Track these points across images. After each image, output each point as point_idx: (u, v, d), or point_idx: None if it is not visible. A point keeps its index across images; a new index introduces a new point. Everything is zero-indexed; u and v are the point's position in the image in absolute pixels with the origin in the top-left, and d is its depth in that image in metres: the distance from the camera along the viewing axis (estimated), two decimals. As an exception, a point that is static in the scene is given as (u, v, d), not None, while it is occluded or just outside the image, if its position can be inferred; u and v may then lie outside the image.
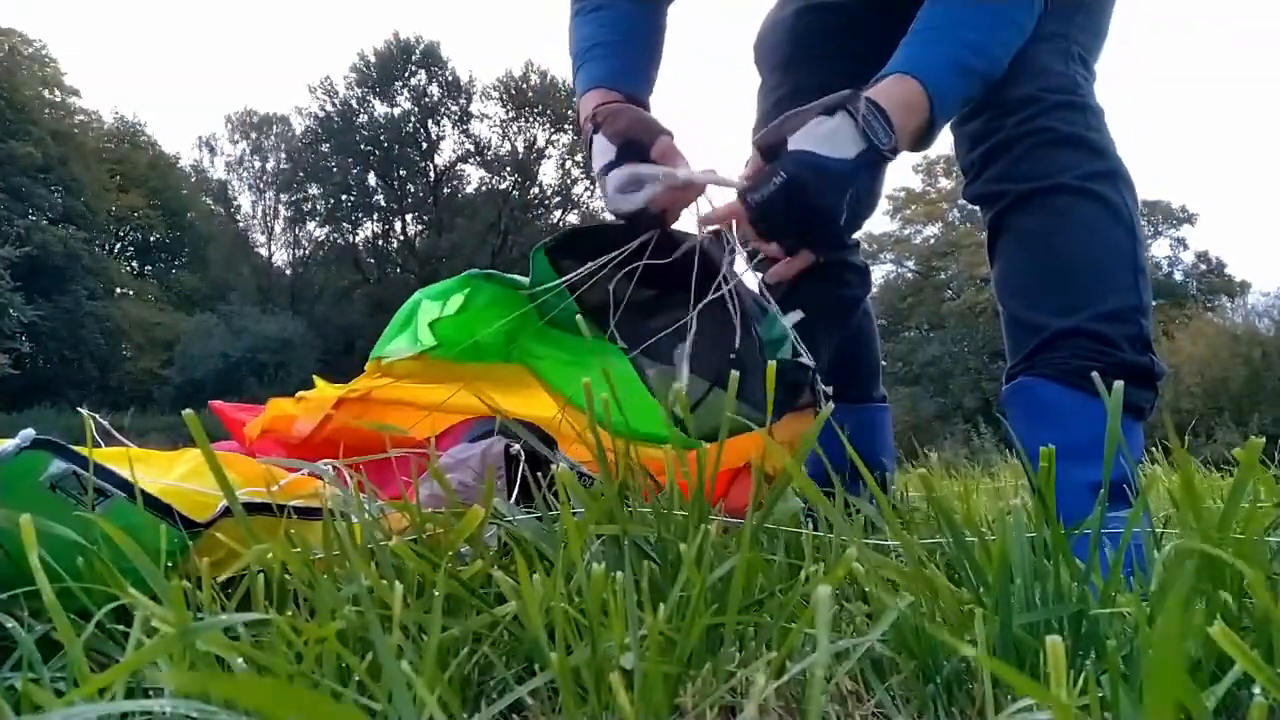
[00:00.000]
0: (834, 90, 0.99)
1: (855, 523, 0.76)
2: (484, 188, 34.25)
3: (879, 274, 29.05)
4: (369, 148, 32.94)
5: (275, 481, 0.72)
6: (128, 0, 52.42)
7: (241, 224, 34.65)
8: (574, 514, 0.58)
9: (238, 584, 0.56)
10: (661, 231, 1.08)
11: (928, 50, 1.02)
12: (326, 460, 0.75)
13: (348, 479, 0.71)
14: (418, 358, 1.04)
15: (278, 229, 34.23)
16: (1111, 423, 0.58)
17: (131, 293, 30.68)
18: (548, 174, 34.78)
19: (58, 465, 0.62)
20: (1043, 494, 0.57)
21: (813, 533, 0.71)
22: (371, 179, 33.67)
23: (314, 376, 1.16)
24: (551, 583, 0.51)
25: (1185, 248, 28.29)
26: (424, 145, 33.58)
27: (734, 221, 1.05)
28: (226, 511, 0.66)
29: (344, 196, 33.34)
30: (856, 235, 1.46)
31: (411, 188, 33.84)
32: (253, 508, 0.69)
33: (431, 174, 33.65)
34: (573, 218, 33.20)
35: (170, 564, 0.64)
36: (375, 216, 33.91)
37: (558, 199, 34.36)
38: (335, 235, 34.17)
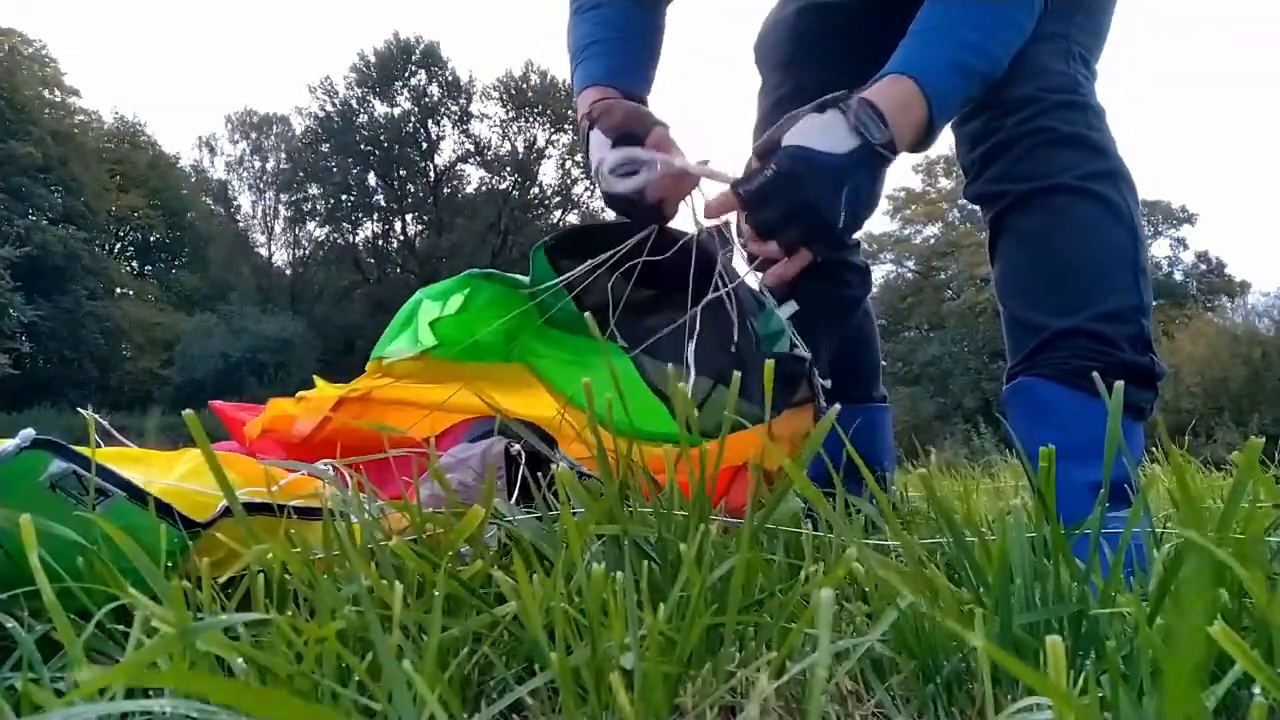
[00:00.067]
0: (835, 90, 0.99)
1: (855, 523, 0.76)
2: (484, 188, 34.27)
3: (879, 274, 29.06)
4: (369, 148, 32.94)
5: (275, 481, 0.72)
6: (128, 0, 52.46)
7: (241, 224, 34.69)
8: (574, 514, 0.58)
9: (238, 584, 0.56)
10: (659, 230, 1.08)
11: (925, 51, 1.02)
12: (326, 460, 0.75)
13: (347, 479, 0.71)
14: (418, 357, 1.04)
15: (278, 229, 34.27)
16: (1112, 423, 0.58)
17: (131, 293, 30.68)
18: (548, 174, 34.85)
19: (58, 465, 0.62)
20: (1043, 494, 0.57)
21: (813, 533, 0.71)
22: (371, 179, 33.69)
23: (314, 376, 1.16)
24: (551, 583, 0.51)
25: (1185, 248, 28.32)
26: (424, 145, 33.59)
27: (732, 218, 1.05)
28: (226, 511, 0.66)
29: (344, 196, 33.35)
30: (856, 235, 1.46)
31: (411, 188, 33.85)
32: (253, 508, 0.69)
33: (431, 174, 33.66)
34: (573, 218, 33.20)
35: (170, 564, 0.64)
36: (375, 216, 33.92)
37: (558, 199, 34.39)
38: (335, 235, 34.19)
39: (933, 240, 29.18)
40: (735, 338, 1.03)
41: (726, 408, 0.65)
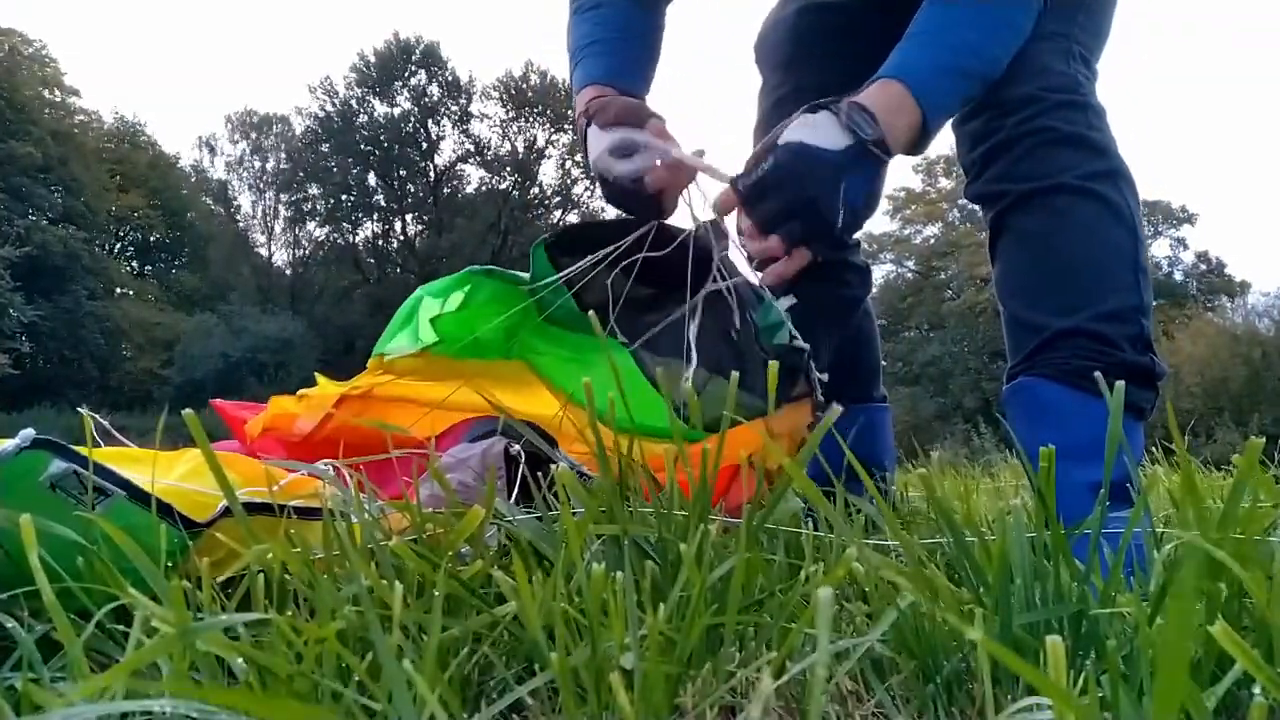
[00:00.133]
0: (834, 90, 0.99)
1: (855, 523, 0.76)
2: (484, 188, 34.27)
3: (879, 274, 29.06)
4: (369, 148, 32.94)
5: (275, 481, 0.72)
6: (128, 0, 52.46)
7: (241, 224, 34.69)
8: (574, 514, 0.58)
9: (238, 584, 0.56)
10: (658, 226, 1.08)
11: (917, 54, 1.02)
12: (326, 460, 0.75)
13: (347, 479, 0.71)
14: (419, 354, 1.04)
15: (278, 229, 34.28)
16: (1113, 424, 0.58)
17: (131, 293, 30.69)
18: (548, 174, 34.85)
19: (58, 465, 0.62)
20: (1043, 494, 0.57)
21: (813, 533, 0.71)
22: (371, 179, 33.69)
23: (316, 375, 1.16)
24: (551, 583, 0.51)
25: (1185, 248, 28.32)
26: (424, 145, 33.59)
27: (733, 217, 1.05)
28: (226, 511, 0.66)
29: (344, 196, 33.35)
30: (857, 235, 1.46)
31: (411, 188, 33.85)
32: (253, 508, 0.69)
33: (431, 174, 33.66)
34: (573, 217, 33.19)
35: (170, 564, 0.64)
36: (375, 216, 33.93)
37: (558, 199, 34.38)
38: (335, 235, 34.19)
39: (933, 240, 29.17)
40: (735, 321, 1.04)
41: (727, 405, 0.65)
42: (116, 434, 0.86)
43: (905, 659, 0.52)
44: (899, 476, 1.60)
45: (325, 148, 33.06)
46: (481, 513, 0.60)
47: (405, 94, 33.09)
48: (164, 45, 52.11)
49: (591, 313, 0.82)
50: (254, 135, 34.43)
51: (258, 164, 34.36)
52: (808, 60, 1.36)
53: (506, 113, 33.84)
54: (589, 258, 1.06)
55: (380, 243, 34.41)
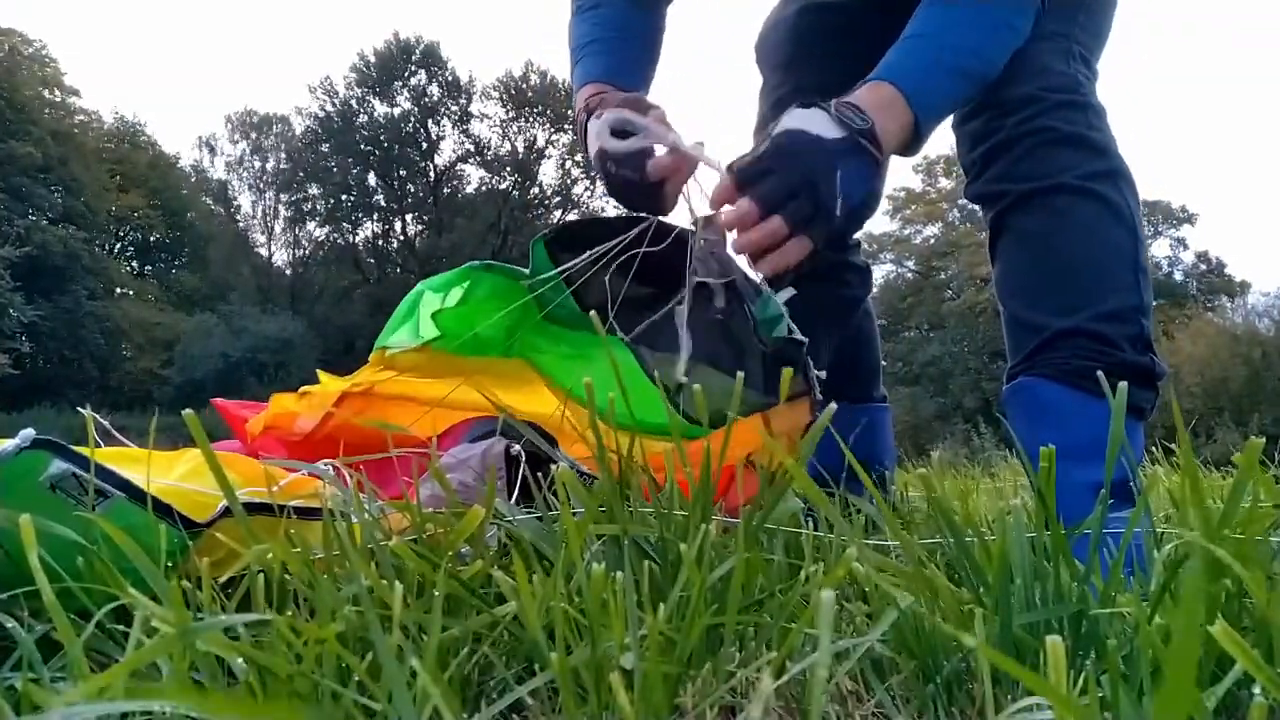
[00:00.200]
0: (835, 91, 0.99)
1: (855, 523, 0.76)
2: (484, 188, 34.28)
3: (879, 274, 29.05)
4: (369, 148, 32.95)
5: (275, 481, 0.72)
6: (128, 0, 52.46)
7: (241, 224, 34.70)
8: (574, 514, 0.58)
9: (238, 584, 0.56)
10: (657, 224, 1.08)
11: (910, 56, 1.02)
12: (326, 460, 0.75)
13: (348, 478, 0.71)
14: (421, 349, 1.04)
15: (278, 229, 34.29)
16: (1116, 425, 0.58)
17: (131, 293, 30.70)
18: (548, 174, 34.85)
19: (58, 465, 0.62)
20: (1043, 494, 0.57)
21: (813, 533, 0.71)
22: (371, 179, 33.70)
23: (318, 372, 1.16)
24: (551, 583, 0.51)
25: (1185, 248, 28.31)
26: (424, 145, 33.60)
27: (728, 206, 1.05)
28: (226, 511, 0.66)
29: (344, 196, 33.36)
30: (857, 235, 1.46)
31: (411, 188, 33.85)
32: (253, 508, 0.69)
33: (431, 174, 33.66)
34: (573, 217, 33.18)
35: (170, 564, 0.64)
36: (375, 216, 33.94)
37: (558, 199, 34.38)
38: (335, 235, 34.20)
39: (933, 240, 29.17)
40: (719, 307, 1.03)
41: (730, 405, 0.65)
42: (116, 434, 0.86)
43: (905, 659, 0.52)
44: (899, 476, 1.60)
45: (325, 148, 33.06)
46: (481, 513, 0.60)
47: (405, 94, 33.11)
48: (164, 45, 52.15)
49: (594, 312, 0.82)
50: (254, 135, 34.45)
51: (258, 164, 34.41)
52: (808, 60, 1.36)
53: (506, 113, 33.87)
54: (588, 253, 1.06)
55: (380, 243, 34.43)
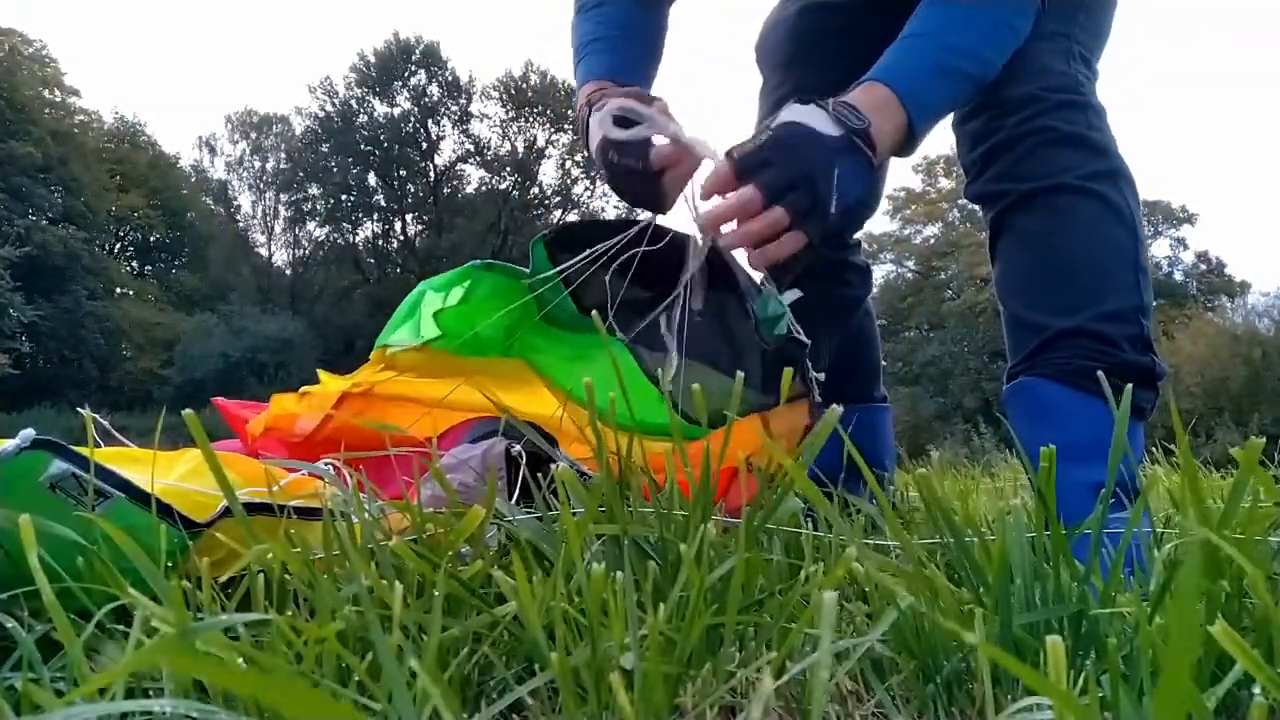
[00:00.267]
0: (834, 91, 0.99)
1: (855, 523, 0.76)
2: (484, 188, 34.28)
3: (879, 274, 29.05)
4: (369, 148, 32.96)
5: (275, 481, 0.72)
6: (128, 0, 52.47)
7: (241, 224, 34.70)
8: (574, 514, 0.58)
9: (238, 584, 0.56)
10: (656, 227, 1.08)
11: (906, 56, 1.02)
12: (327, 459, 0.75)
13: (348, 479, 0.71)
14: (421, 349, 1.04)
15: (278, 229, 34.29)
16: (1119, 427, 0.58)
17: (131, 293, 30.70)
18: (548, 174, 34.85)
19: (58, 465, 0.62)
20: (1043, 494, 0.57)
21: (813, 533, 0.71)
22: (371, 179, 33.70)
23: (318, 371, 1.16)
24: (551, 583, 0.51)
25: (1185, 248, 28.33)
26: (424, 145, 33.60)
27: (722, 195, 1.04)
28: (226, 511, 0.66)
29: (344, 196, 33.37)
30: (857, 235, 1.46)
31: (411, 188, 33.86)
32: (253, 508, 0.69)
33: (431, 174, 33.67)
34: (573, 217, 33.17)
35: (170, 564, 0.64)
36: (375, 216, 33.94)
37: (558, 199, 34.36)
38: (335, 235, 34.20)
39: (933, 240, 29.17)
40: (699, 305, 1.03)
41: (730, 405, 0.65)
42: (116, 434, 0.86)
43: (905, 659, 0.52)
44: (899, 476, 1.60)
45: (325, 148, 33.07)
46: (481, 513, 0.60)
47: (405, 94, 33.12)
48: (164, 45, 52.15)
49: (595, 312, 0.82)
50: (254, 135, 34.46)
51: (258, 164, 34.41)
52: (808, 60, 1.36)
53: (506, 113, 33.88)
54: (588, 251, 1.06)
55: (380, 243, 34.44)
